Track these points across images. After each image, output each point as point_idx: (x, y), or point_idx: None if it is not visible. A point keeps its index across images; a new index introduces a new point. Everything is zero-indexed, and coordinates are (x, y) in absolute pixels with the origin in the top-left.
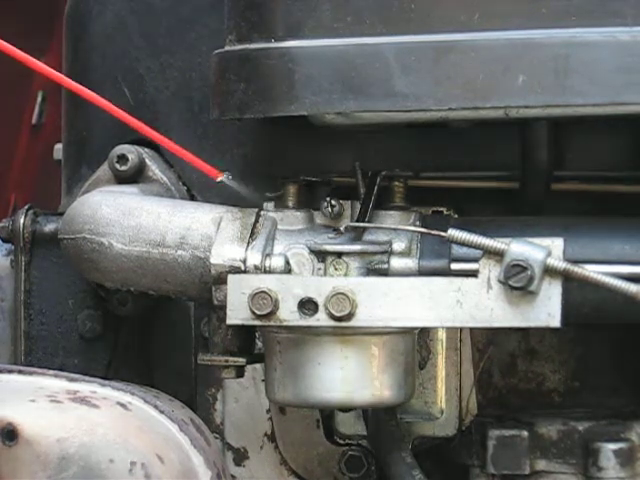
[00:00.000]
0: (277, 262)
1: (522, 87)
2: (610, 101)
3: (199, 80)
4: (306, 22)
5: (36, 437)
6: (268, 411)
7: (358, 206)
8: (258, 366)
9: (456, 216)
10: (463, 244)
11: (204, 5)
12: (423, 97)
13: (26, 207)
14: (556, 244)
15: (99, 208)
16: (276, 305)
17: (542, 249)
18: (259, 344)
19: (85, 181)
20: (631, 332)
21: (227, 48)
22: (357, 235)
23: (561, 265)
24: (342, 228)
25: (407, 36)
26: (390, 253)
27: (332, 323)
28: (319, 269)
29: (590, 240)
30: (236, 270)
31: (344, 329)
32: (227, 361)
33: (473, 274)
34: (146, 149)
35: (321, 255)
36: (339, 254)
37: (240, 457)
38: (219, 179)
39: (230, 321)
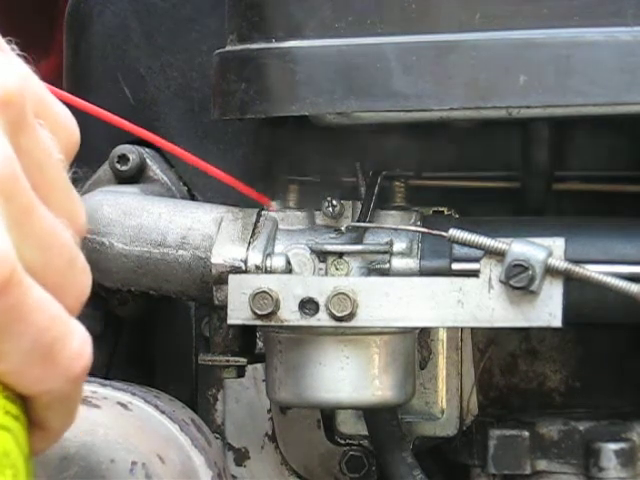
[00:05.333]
0: (278, 262)
1: (523, 87)
2: (611, 101)
3: (200, 80)
4: (307, 22)
5: None
6: (269, 411)
7: (359, 206)
8: (259, 366)
9: (457, 216)
10: (464, 244)
11: (205, 5)
12: (424, 97)
13: None
14: (557, 244)
15: (100, 208)
16: (277, 305)
17: (543, 249)
18: (260, 344)
19: (85, 181)
20: (632, 332)
21: (228, 48)
22: (358, 235)
23: (562, 265)
24: (343, 228)
25: (408, 36)
26: (391, 253)
27: (333, 323)
28: (320, 269)
29: (591, 240)
30: (237, 270)
31: (345, 329)
32: (228, 361)
33: (474, 274)
34: (147, 149)
35: (322, 255)
36: (340, 254)
37: (241, 457)
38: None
39: (231, 321)
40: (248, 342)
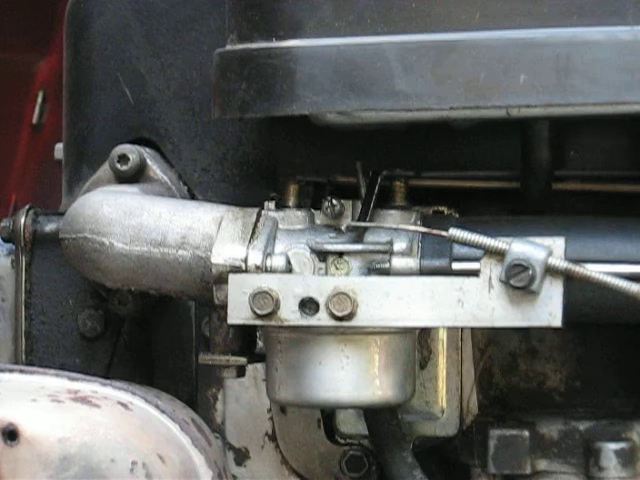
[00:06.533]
0: (278, 262)
1: (523, 86)
2: (611, 100)
3: (200, 80)
4: (307, 21)
5: (37, 437)
6: (269, 411)
7: (359, 206)
8: (259, 366)
9: (457, 216)
10: (464, 244)
11: (205, 5)
12: (424, 96)
13: (27, 207)
14: (557, 244)
15: (100, 208)
16: (277, 305)
17: (543, 249)
18: (260, 344)
19: (86, 181)
20: (632, 332)
21: (228, 47)
22: (358, 235)
23: (562, 265)
24: (343, 228)
25: (408, 35)
26: (391, 253)
27: (333, 323)
28: (320, 269)
29: (591, 240)
30: (237, 270)
31: (345, 329)
32: (228, 361)
33: (474, 274)
34: (147, 149)
35: (322, 255)
36: (340, 254)
37: (241, 457)
38: None
39: (231, 321)
40: (248, 342)
